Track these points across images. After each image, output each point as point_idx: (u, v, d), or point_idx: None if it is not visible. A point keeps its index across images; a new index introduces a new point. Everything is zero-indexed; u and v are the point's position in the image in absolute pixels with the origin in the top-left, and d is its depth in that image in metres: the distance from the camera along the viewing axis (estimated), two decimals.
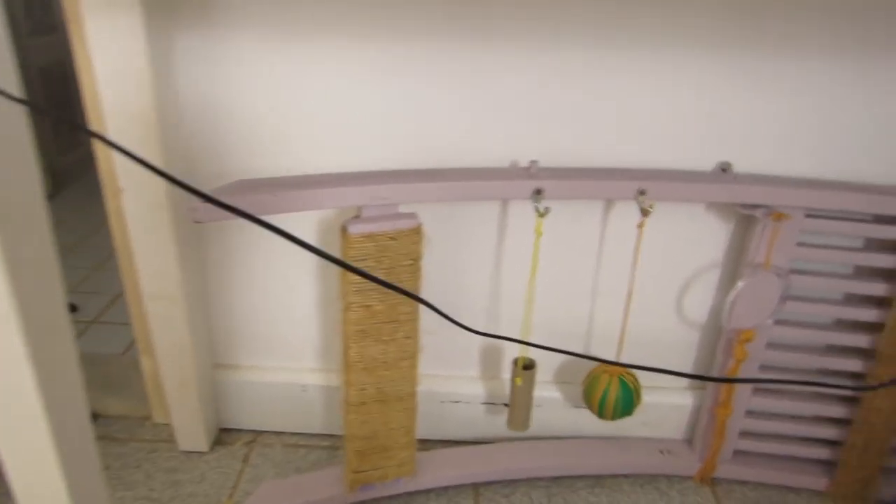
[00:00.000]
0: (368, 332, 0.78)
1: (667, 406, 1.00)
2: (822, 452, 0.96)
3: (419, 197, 0.75)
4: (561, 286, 0.92)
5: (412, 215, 0.75)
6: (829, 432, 0.94)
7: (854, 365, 0.89)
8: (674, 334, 0.96)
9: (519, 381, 0.86)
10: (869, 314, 0.87)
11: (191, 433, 0.99)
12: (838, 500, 0.95)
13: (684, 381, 1.00)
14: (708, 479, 0.98)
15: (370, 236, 0.73)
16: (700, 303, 0.94)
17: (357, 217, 0.74)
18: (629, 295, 0.85)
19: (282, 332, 0.98)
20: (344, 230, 0.73)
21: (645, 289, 0.92)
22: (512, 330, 0.94)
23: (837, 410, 0.92)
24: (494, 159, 0.84)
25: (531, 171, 0.78)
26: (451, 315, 0.94)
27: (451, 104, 0.81)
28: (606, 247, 0.90)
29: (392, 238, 0.74)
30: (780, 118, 0.82)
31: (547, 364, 0.98)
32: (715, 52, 0.78)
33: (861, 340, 0.88)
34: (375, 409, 0.83)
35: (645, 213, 0.78)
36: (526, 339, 0.90)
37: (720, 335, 0.92)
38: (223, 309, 0.96)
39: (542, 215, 0.76)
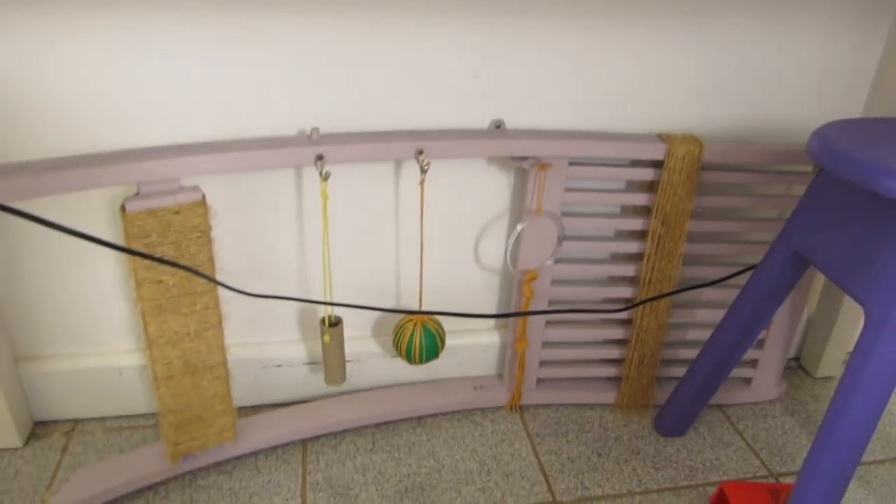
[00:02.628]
0: (165, 307, 0.79)
1: (477, 346, 1.09)
2: (609, 371, 1.10)
3: (198, 170, 0.76)
4: (364, 244, 0.98)
5: (195, 189, 0.76)
6: (611, 353, 1.08)
7: (626, 292, 1.03)
8: (475, 281, 1.05)
9: (327, 339, 0.90)
10: (633, 246, 1.00)
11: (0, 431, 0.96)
12: (624, 410, 1.10)
13: (490, 322, 1.10)
14: (516, 408, 1.09)
15: (151, 212, 0.73)
16: (495, 249, 1.03)
17: (136, 194, 0.74)
18: (421, 247, 0.91)
19: (86, 316, 0.96)
20: (122, 208, 0.73)
21: (442, 240, 0.99)
22: (325, 287, 0.99)
23: (616, 332, 1.06)
24: (282, 128, 0.87)
25: (313, 138, 0.82)
26: (261, 280, 0.97)
27: (233, 75, 0.82)
28: (402, 203, 0.96)
29: (175, 212, 0.75)
30: (547, 77, 0.91)
31: (361, 320, 1.04)
32: (480, 16, 0.85)
33: (630, 270, 1.01)
34: (186, 381, 0.85)
35: (423, 170, 0.84)
36: (331, 298, 0.94)
37: (512, 277, 1.02)
38: (15, 299, 0.93)
39: (324, 179, 0.80)
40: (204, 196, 0.76)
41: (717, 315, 1.05)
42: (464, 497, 0.92)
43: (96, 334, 0.98)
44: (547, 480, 0.96)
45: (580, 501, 0.93)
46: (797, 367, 1.24)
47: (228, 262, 0.93)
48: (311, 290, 1.00)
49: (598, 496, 0.94)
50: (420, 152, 0.84)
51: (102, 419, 1.03)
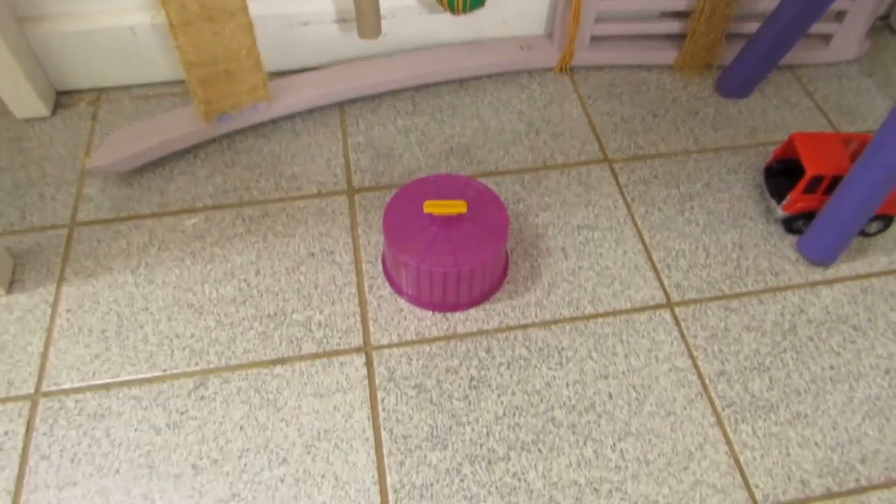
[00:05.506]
0: None
1: (524, 0, 0.96)
2: (673, 26, 0.97)
3: None
4: None
5: None
6: (679, 3, 0.94)
7: None
8: None
9: None
10: None
11: (24, 99, 0.90)
12: (685, 70, 1.00)
13: None
14: (567, 69, 1.00)
15: None
16: None
17: None
18: None
19: None
20: None
21: None
22: None
23: None
24: None
25: None
26: None
27: None
28: None
29: None
30: None
31: None
32: None
33: None
34: (206, 29, 0.76)
35: None
36: None
37: None
38: None
39: None
40: None
41: None
42: (511, 156, 0.89)
43: None
44: (598, 140, 0.91)
45: (632, 160, 0.89)
46: (884, 26, 1.10)
47: None
48: None
49: (651, 154, 0.90)
50: None
51: (127, 87, 0.97)
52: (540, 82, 0.98)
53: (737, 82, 0.96)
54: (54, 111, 0.94)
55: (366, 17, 0.83)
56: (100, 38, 0.90)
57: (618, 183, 0.86)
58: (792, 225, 0.80)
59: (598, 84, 0.98)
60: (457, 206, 0.68)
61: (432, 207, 0.68)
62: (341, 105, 0.94)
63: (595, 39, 0.98)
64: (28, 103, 0.91)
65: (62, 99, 0.96)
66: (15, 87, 0.89)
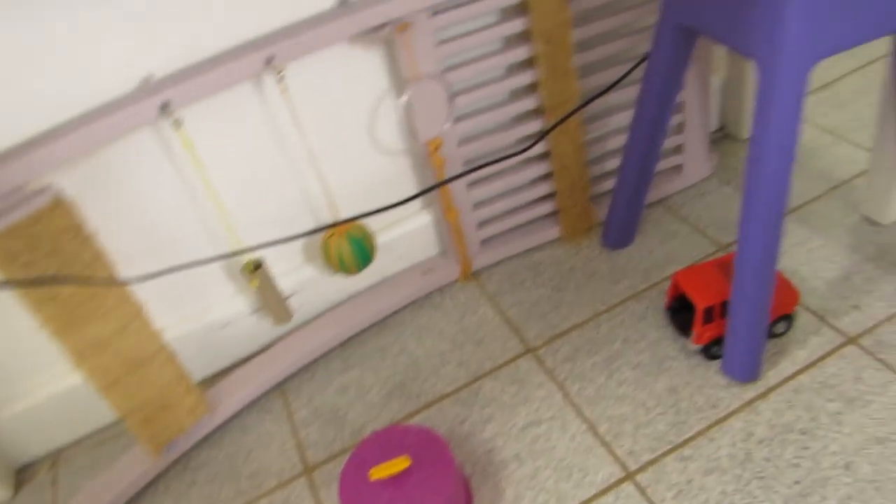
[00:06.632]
0: (73, 320, 0.74)
1: (411, 233, 1.07)
2: (544, 208, 1.09)
3: (42, 167, 0.68)
4: (256, 178, 0.92)
5: (45, 189, 0.69)
6: (541, 190, 1.06)
7: (534, 126, 0.99)
8: (386, 170, 1.00)
9: (255, 284, 0.87)
10: (526, 77, 0.95)
11: None
12: (571, 239, 1.10)
13: (416, 205, 1.07)
14: (470, 276, 1.09)
15: (10, 232, 0.67)
16: (392, 131, 0.98)
17: None
18: (311, 155, 0.86)
19: (9, 354, 0.91)
20: None
21: (335, 142, 0.94)
22: (231, 237, 0.94)
23: (538, 169, 1.04)
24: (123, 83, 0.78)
25: (150, 87, 0.74)
26: (165, 247, 0.91)
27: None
28: (278, 121, 0.89)
29: (36, 222, 0.68)
30: None
31: (286, 253, 1.00)
32: None
33: (530, 103, 0.98)
34: (132, 380, 0.82)
35: (280, 79, 0.77)
36: (238, 245, 0.90)
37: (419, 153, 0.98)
38: None
39: (178, 128, 0.73)
40: (59, 192, 0.69)
41: (629, 116, 1.03)
42: (444, 378, 0.94)
43: (28, 366, 0.93)
44: (517, 333, 0.97)
45: (553, 340, 0.95)
46: (723, 136, 1.25)
47: (122, 246, 0.87)
48: (221, 241, 0.95)
49: (568, 329, 0.96)
50: (269, 61, 0.76)
51: (79, 440, 1.01)
52: (450, 296, 1.07)
53: (617, 234, 1.06)
54: (17, 489, 0.96)
55: (273, 309, 0.91)
56: (42, 410, 0.95)
57: (545, 369, 0.91)
58: (710, 352, 0.86)
59: (501, 279, 1.07)
60: (399, 464, 0.71)
61: (378, 473, 0.71)
62: (279, 386, 0.99)
63: (484, 242, 1.09)
64: None
65: (22, 474, 0.98)
66: None
